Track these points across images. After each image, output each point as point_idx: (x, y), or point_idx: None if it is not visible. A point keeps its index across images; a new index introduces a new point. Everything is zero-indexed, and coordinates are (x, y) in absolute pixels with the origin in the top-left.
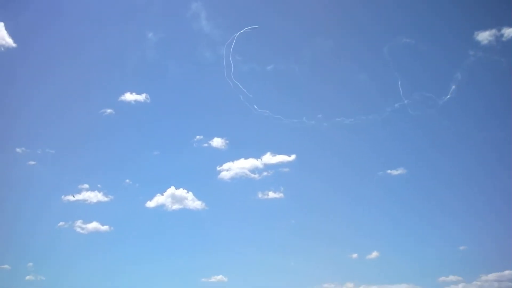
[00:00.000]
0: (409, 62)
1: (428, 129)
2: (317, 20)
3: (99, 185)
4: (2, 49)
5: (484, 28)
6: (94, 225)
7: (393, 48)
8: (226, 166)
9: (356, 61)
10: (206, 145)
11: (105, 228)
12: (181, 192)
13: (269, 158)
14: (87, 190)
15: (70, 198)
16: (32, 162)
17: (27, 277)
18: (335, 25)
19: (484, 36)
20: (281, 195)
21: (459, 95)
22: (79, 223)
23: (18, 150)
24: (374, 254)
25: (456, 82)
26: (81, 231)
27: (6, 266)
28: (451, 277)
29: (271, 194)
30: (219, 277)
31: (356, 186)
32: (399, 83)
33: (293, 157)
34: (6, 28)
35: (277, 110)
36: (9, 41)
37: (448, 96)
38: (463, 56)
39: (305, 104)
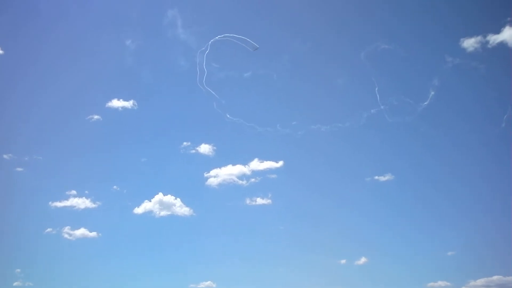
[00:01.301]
0: (387, 68)
1: (408, 135)
2: (295, 22)
3: (86, 192)
4: None
5: (470, 34)
6: (82, 232)
7: (371, 54)
8: (213, 172)
9: (333, 65)
10: (193, 151)
11: (93, 234)
12: (169, 198)
13: (256, 165)
14: (74, 196)
15: (58, 204)
16: (19, 169)
17: (15, 283)
18: (314, 27)
19: (470, 43)
20: (269, 201)
21: (437, 101)
22: (66, 229)
23: (5, 156)
24: (363, 260)
25: (434, 88)
26: (69, 238)
27: None
28: (440, 283)
29: (259, 201)
30: (208, 283)
31: (344, 192)
32: (376, 89)
33: (280, 163)
34: None
35: (252, 117)
36: None
37: (426, 102)
38: (441, 62)
39: (281, 111)
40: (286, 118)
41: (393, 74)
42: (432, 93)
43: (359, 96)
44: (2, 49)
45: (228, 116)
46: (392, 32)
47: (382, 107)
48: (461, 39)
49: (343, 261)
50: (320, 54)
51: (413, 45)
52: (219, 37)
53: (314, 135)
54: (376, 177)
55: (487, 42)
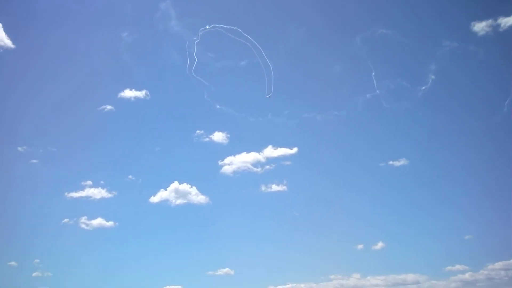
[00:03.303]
0: (384, 53)
1: (411, 119)
2: (289, 8)
3: (102, 182)
4: (1, 50)
5: (481, 18)
6: (98, 221)
7: (367, 38)
8: (227, 160)
9: (329, 51)
10: (207, 139)
11: (109, 224)
12: (185, 187)
13: (270, 152)
14: (90, 186)
15: (74, 195)
16: (34, 161)
17: (34, 274)
18: (308, 12)
19: (481, 27)
20: (284, 188)
21: (437, 85)
22: (83, 219)
23: (19, 149)
24: (380, 244)
25: (432, 72)
26: (86, 227)
27: (13, 263)
28: (458, 266)
29: (274, 187)
30: (226, 270)
31: (359, 177)
32: (373, 74)
33: (295, 150)
34: (5, 30)
35: (244, 107)
36: (8, 42)
37: (425, 87)
38: (437, 46)
39: (273, 100)
40: (278, 107)
41: (391, 59)
42: (433, 77)
43: (355, 82)
44: (14, 43)
45: (218, 106)
46: (390, 17)
47: (378, 91)
48: (472, 23)
49: (360, 246)
50: (315, 40)
51: (412, 30)
52: (208, 28)
53: (320, 122)
54: (391, 162)
55: (499, 25)
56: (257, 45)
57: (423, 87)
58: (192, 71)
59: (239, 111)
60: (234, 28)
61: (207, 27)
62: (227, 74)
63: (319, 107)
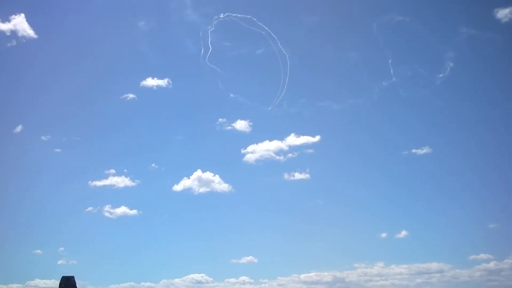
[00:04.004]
0: (400, 40)
1: (427, 108)
2: None
3: (125, 170)
4: (24, 40)
5: (505, 5)
6: (122, 210)
7: (384, 25)
8: (250, 148)
9: (344, 38)
10: (229, 127)
11: (133, 212)
12: (208, 175)
13: (293, 140)
14: (113, 175)
15: (97, 183)
16: (58, 150)
17: (59, 262)
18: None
19: (504, 14)
20: (307, 176)
21: (454, 73)
22: (107, 208)
23: (43, 138)
24: (403, 233)
25: (451, 60)
26: (110, 216)
27: (38, 251)
28: (482, 255)
29: (297, 175)
30: (249, 258)
31: (382, 166)
32: (390, 61)
33: (317, 138)
34: (27, 20)
35: (257, 96)
36: (31, 33)
37: (443, 74)
38: (455, 33)
39: (288, 89)
40: (294, 96)
41: (408, 46)
42: (451, 64)
43: (371, 70)
44: (36, 34)
45: (232, 95)
46: (406, 3)
47: (394, 79)
48: (495, 9)
49: (383, 235)
50: (331, 28)
51: (429, 17)
52: (222, 16)
53: (338, 111)
54: (414, 150)
55: None
56: (272, 34)
57: (441, 75)
58: (207, 60)
59: (253, 100)
60: (248, 17)
61: (221, 16)
62: (242, 63)
63: (335, 96)
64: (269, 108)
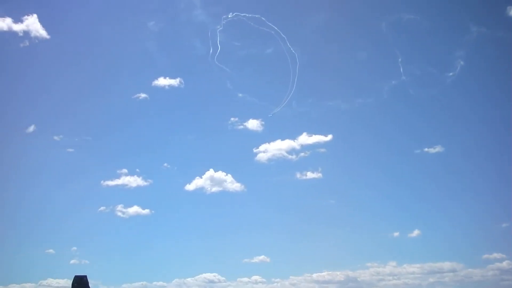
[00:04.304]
0: (410, 38)
1: (437, 107)
2: None
3: (137, 170)
4: (37, 40)
5: None
6: (135, 209)
7: (393, 24)
8: (262, 147)
9: (354, 37)
10: (241, 127)
11: (145, 211)
12: (220, 174)
13: (305, 139)
14: (126, 175)
15: (110, 183)
16: (70, 150)
17: (72, 261)
18: None
19: None
20: (320, 175)
21: (464, 72)
22: (120, 207)
23: (55, 138)
24: (416, 232)
25: (461, 58)
26: (122, 215)
27: (51, 250)
28: (495, 255)
29: (309, 175)
30: (261, 257)
31: (394, 164)
32: (399, 60)
33: (329, 137)
34: (40, 21)
35: (266, 96)
36: (43, 33)
37: (453, 73)
38: (465, 32)
39: (297, 88)
40: (302, 96)
41: (417, 45)
42: (462, 63)
43: (380, 69)
44: (48, 34)
45: (240, 94)
46: (416, 2)
47: (404, 77)
48: (508, 7)
49: (396, 234)
50: (340, 26)
51: (439, 16)
52: (231, 16)
53: (348, 110)
54: (426, 149)
55: None
56: (281, 34)
57: (451, 74)
58: (215, 59)
59: (261, 100)
60: (257, 16)
61: (230, 15)
62: (251, 62)
63: (343, 95)
64: (269, 115)
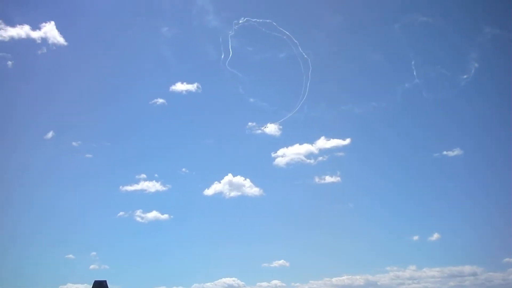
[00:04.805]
0: (423, 40)
1: (453, 110)
2: None
3: (156, 175)
4: (54, 47)
5: None
6: (153, 214)
7: (407, 26)
8: (280, 152)
9: (366, 40)
10: (259, 131)
11: (164, 217)
12: (239, 179)
13: (323, 143)
14: (144, 180)
15: (128, 188)
16: (88, 155)
17: (91, 266)
18: (345, 0)
19: None
20: (338, 179)
21: (479, 74)
22: (138, 212)
23: (74, 143)
24: (435, 236)
25: (475, 60)
26: (141, 220)
27: (70, 255)
28: None
29: (328, 179)
30: (281, 261)
31: (413, 168)
32: (413, 62)
33: (348, 141)
34: (57, 28)
35: (279, 101)
36: (60, 40)
37: (467, 75)
38: (478, 33)
39: (310, 92)
40: (315, 100)
41: (430, 47)
42: (476, 65)
43: (395, 71)
44: (66, 41)
45: (251, 99)
46: (429, 4)
47: (417, 80)
48: None
49: (415, 238)
50: (353, 29)
51: (452, 17)
52: (242, 21)
53: (363, 113)
54: (445, 152)
55: None
56: (293, 39)
57: (465, 76)
58: (227, 65)
59: (273, 105)
60: (268, 21)
61: (241, 20)
62: (263, 67)
63: (357, 99)
64: (264, 127)
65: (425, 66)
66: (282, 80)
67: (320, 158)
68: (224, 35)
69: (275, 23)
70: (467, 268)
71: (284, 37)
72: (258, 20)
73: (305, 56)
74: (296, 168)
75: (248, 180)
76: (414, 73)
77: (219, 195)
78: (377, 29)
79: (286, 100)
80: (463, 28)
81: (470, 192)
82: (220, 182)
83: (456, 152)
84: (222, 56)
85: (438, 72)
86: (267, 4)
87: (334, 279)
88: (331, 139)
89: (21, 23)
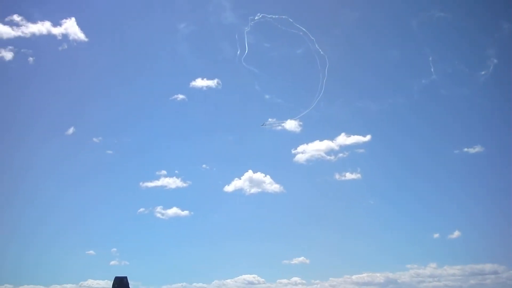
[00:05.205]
0: (441, 36)
1: (472, 107)
2: None
3: (176, 171)
4: (75, 43)
5: None
6: (174, 211)
7: (424, 22)
8: (300, 148)
9: (383, 36)
10: (279, 128)
11: (185, 213)
12: (259, 175)
13: (344, 139)
14: (165, 176)
15: (149, 184)
16: (109, 151)
17: (112, 262)
18: None
19: None
20: (359, 175)
21: (497, 70)
22: (159, 209)
23: (95, 140)
24: (456, 233)
25: (493, 56)
26: (162, 217)
27: (91, 252)
28: None
29: (348, 175)
30: (301, 258)
31: (434, 165)
32: (430, 58)
33: (368, 137)
34: (78, 24)
35: (295, 97)
36: (81, 36)
37: (485, 71)
38: (496, 29)
39: (326, 89)
40: (332, 97)
41: (448, 43)
42: (495, 61)
43: (412, 68)
44: (86, 37)
45: (267, 96)
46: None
47: (434, 76)
48: None
49: (436, 235)
50: (370, 25)
51: (470, 13)
52: (258, 18)
53: (381, 110)
54: (466, 149)
55: None
56: (310, 36)
57: (483, 72)
58: (242, 61)
59: (288, 101)
60: (284, 17)
61: (257, 17)
62: (279, 63)
63: (373, 95)
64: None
65: (443, 62)
66: (298, 76)
67: (341, 154)
68: (240, 31)
69: (291, 20)
70: (488, 266)
71: (301, 33)
72: (274, 17)
73: (322, 52)
74: (316, 164)
75: (268, 176)
76: (432, 70)
77: (239, 192)
78: (394, 25)
79: (302, 97)
80: (481, 24)
81: (491, 189)
82: (240, 179)
83: (477, 149)
84: (238, 52)
85: (455, 68)
86: (283, 0)
87: (354, 277)
88: (352, 136)
89: (42, 20)
